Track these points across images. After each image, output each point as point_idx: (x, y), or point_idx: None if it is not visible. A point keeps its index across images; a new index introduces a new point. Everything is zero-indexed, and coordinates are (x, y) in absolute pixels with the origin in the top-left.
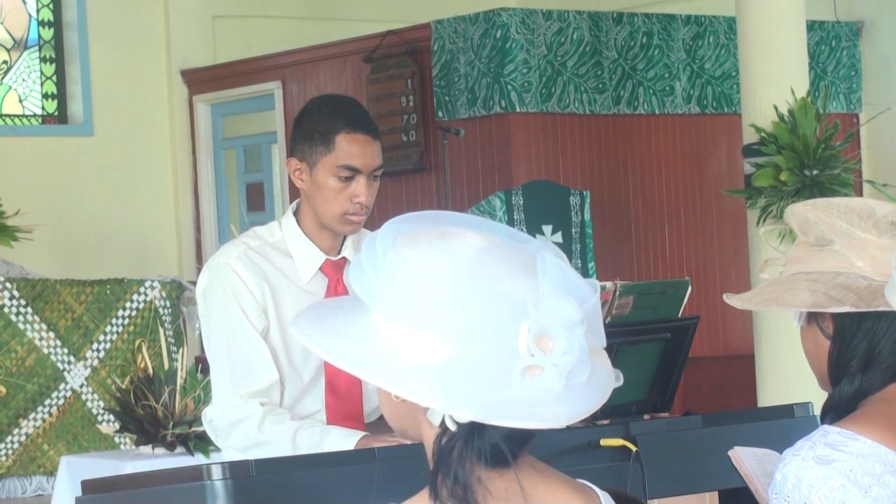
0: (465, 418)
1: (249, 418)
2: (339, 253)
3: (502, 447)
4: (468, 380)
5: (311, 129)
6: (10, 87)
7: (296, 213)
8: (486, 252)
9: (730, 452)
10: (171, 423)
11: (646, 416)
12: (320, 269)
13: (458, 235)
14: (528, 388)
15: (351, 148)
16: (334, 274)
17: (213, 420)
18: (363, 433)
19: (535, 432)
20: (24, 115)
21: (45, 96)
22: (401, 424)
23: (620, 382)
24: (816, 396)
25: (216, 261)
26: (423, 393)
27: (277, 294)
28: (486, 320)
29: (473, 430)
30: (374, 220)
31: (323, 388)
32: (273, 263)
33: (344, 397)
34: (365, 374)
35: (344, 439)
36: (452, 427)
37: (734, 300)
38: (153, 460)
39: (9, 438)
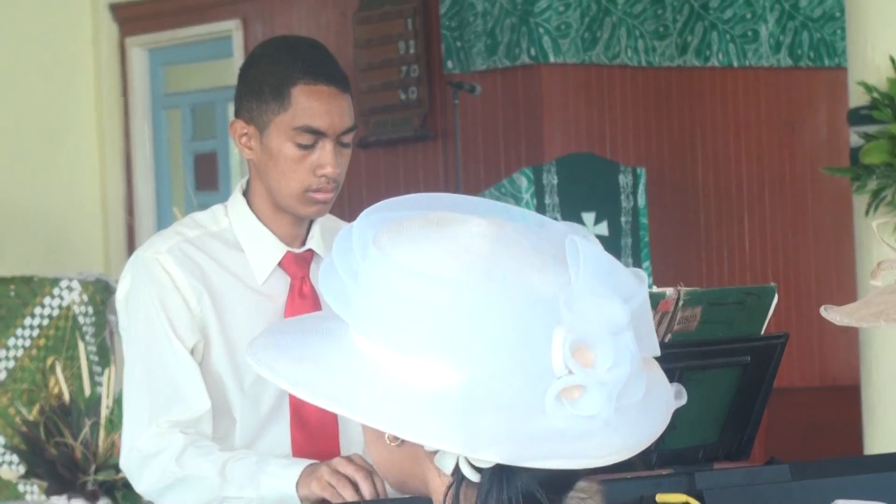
0: (488, 462)
1: (167, 450)
2: (303, 243)
3: (538, 496)
4: (490, 411)
5: (260, 80)
6: None
7: (246, 194)
8: (498, 241)
9: None
10: (93, 467)
11: (716, 465)
12: (279, 264)
13: (458, 223)
14: (568, 416)
15: (311, 104)
16: (298, 270)
17: (122, 458)
18: (310, 461)
19: (581, 474)
20: None
21: None
22: (398, 474)
23: (683, 401)
24: None
25: (141, 255)
26: (434, 432)
27: (222, 299)
28: (508, 331)
29: (501, 477)
30: (364, 203)
31: (287, 420)
32: (216, 259)
33: (315, 431)
34: (353, 412)
35: (286, 469)
36: (472, 475)
37: (833, 314)
38: None
39: None
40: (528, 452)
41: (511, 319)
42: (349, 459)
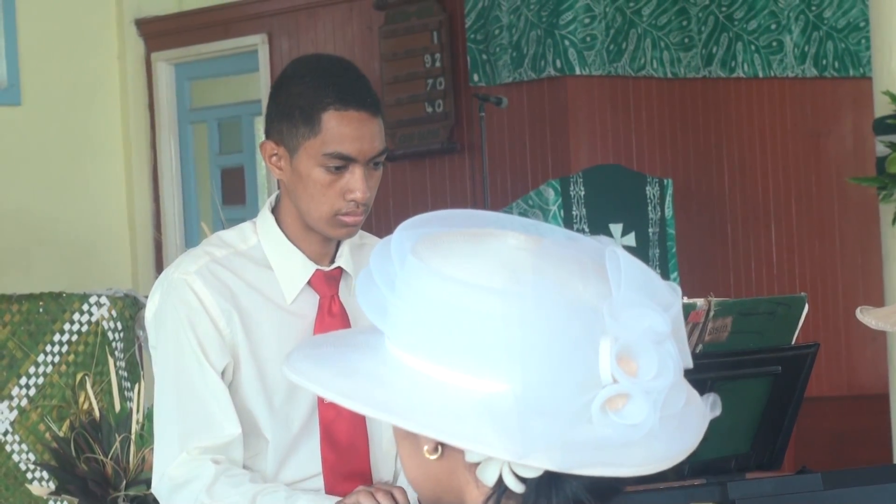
0: (533, 471)
1: (198, 479)
2: (332, 262)
3: None
4: (539, 419)
5: (291, 103)
6: None
7: (275, 211)
8: (539, 253)
9: None
10: (124, 482)
11: (748, 475)
12: (308, 282)
13: (494, 236)
14: (613, 425)
15: (342, 130)
16: (327, 289)
17: (153, 483)
18: (338, 498)
19: (625, 482)
20: None
21: None
22: (434, 489)
23: (718, 411)
24: None
25: (170, 276)
26: (485, 439)
27: (251, 319)
28: (557, 340)
29: (549, 485)
30: (391, 216)
31: (318, 438)
32: (245, 279)
33: (345, 451)
34: (401, 420)
35: None
36: (515, 486)
37: (869, 317)
38: None
39: None
40: (577, 459)
41: (560, 328)
42: (375, 488)
